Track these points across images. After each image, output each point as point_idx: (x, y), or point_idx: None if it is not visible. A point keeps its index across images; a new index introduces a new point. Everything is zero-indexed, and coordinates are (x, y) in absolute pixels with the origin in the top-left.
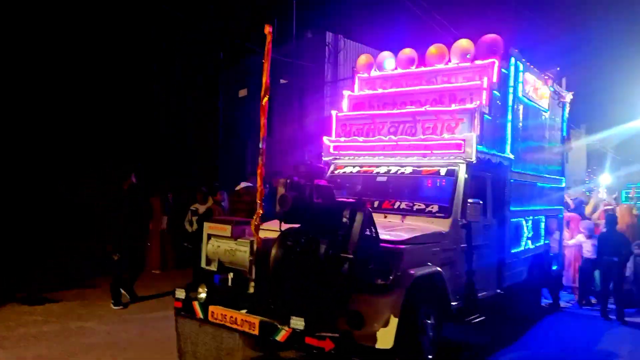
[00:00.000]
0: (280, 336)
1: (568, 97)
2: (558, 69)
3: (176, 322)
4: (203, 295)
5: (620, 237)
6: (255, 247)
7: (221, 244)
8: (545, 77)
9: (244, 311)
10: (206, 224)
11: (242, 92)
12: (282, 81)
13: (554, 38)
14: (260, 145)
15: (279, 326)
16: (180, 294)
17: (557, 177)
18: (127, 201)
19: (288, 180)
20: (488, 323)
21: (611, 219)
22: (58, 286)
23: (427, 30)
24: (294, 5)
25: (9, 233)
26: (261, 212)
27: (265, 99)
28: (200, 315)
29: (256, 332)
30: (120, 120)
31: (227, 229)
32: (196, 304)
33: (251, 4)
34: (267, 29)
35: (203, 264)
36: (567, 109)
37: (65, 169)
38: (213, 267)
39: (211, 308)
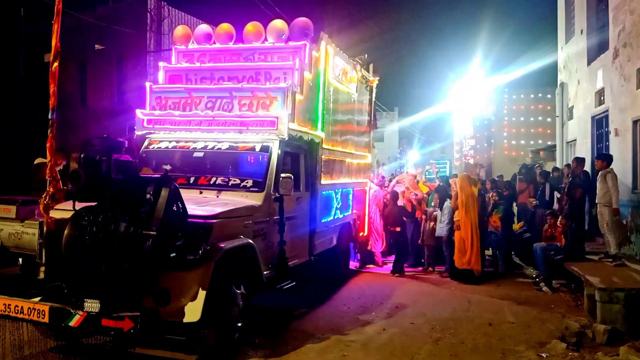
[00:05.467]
0: (74, 321)
1: (374, 81)
2: (366, 55)
3: None
4: None
5: (400, 210)
6: (45, 228)
7: (4, 227)
8: (354, 62)
9: (36, 299)
10: None
11: (48, 57)
12: (97, 47)
13: (367, 30)
14: (50, 116)
15: (72, 311)
16: None
17: (364, 154)
18: None
19: (81, 155)
20: (302, 288)
21: (393, 194)
22: None
23: (249, 5)
24: None
25: None
26: (52, 190)
27: (55, 64)
28: None
29: (46, 319)
30: None
31: (11, 210)
32: None
33: None
34: None
35: None
36: (374, 93)
37: None
38: None
39: None
